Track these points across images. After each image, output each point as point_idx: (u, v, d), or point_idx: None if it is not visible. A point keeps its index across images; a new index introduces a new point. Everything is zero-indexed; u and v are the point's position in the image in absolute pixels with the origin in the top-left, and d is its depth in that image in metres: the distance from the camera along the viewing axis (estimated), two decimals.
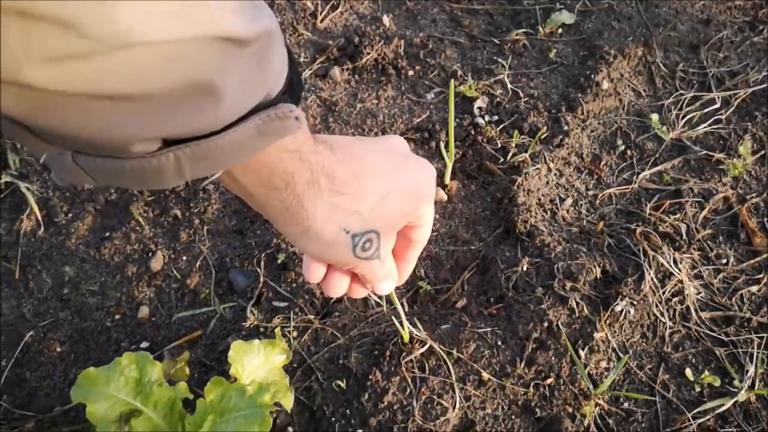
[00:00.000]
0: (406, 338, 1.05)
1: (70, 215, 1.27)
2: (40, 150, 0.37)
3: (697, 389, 1.06)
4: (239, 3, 0.34)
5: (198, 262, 1.21)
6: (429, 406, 1.00)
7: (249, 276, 1.19)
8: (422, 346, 1.04)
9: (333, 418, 1.00)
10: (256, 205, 0.48)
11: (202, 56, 0.33)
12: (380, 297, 1.14)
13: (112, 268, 1.21)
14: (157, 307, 1.17)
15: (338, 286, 0.59)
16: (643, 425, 1.03)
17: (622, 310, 1.09)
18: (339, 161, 0.48)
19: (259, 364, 0.99)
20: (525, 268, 1.15)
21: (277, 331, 1.02)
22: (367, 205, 0.50)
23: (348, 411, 1.00)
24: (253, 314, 1.12)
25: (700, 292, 1.15)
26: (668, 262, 1.14)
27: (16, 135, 0.35)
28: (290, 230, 0.49)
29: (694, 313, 1.12)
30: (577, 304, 1.10)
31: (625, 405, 1.04)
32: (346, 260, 0.52)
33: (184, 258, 1.22)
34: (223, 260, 1.22)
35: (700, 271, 1.17)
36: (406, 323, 1.02)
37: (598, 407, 1.04)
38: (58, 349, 1.11)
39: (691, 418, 1.01)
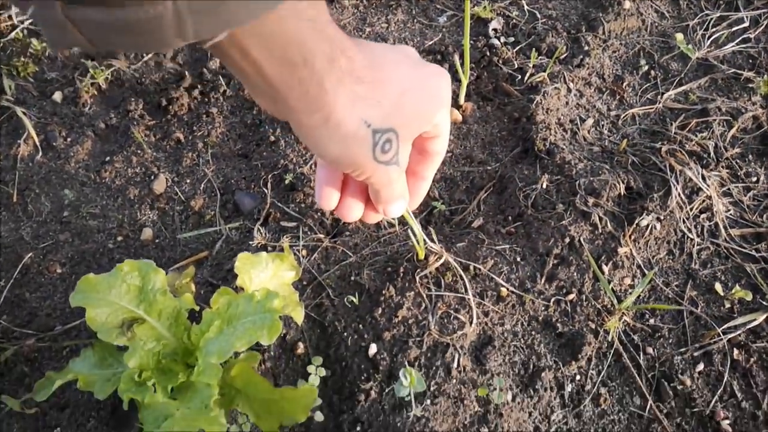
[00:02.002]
0: (421, 255, 1.01)
1: (68, 140, 1.22)
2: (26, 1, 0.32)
3: (727, 305, 1.01)
4: None
5: (202, 185, 1.17)
6: (445, 320, 0.96)
7: (255, 198, 1.14)
8: (438, 261, 0.99)
9: (345, 333, 0.95)
10: (273, 93, 0.42)
11: None
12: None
13: (114, 191, 1.16)
14: (161, 229, 1.12)
15: (353, 209, 0.56)
16: (670, 341, 0.98)
17: (647, 225, 1.04)
18: (357, 46, 0.43)
19: (267, 278, 0.94)
20: (545, 186, 1.09)
21: (286, 245, 0.97)
22: (388, 98, 0.46)
23: (361, 326, 0.95)
24: (261, 234, 1.07)
25: (729, 210, 1.09)
26: (696, 177, 1.08)
27: None
28: (310, 121, 0.44)
29: (723, 230, 1.07)
30: (600, 219, 1.04)
31: (651, 321, 1.00)
32: (364, 163, 0.48)
33: (188, 181, 1.17)
34: (229, 183, 1.17)
35: (729, 189, 1.12)
36: (421, 238, 0.97)
37: (622, 323, 0.99)
38: (59, 271, 1.07)
39: (721, 333, 0.96)
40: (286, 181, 1.13)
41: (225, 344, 0.79)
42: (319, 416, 0.89)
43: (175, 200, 1.15)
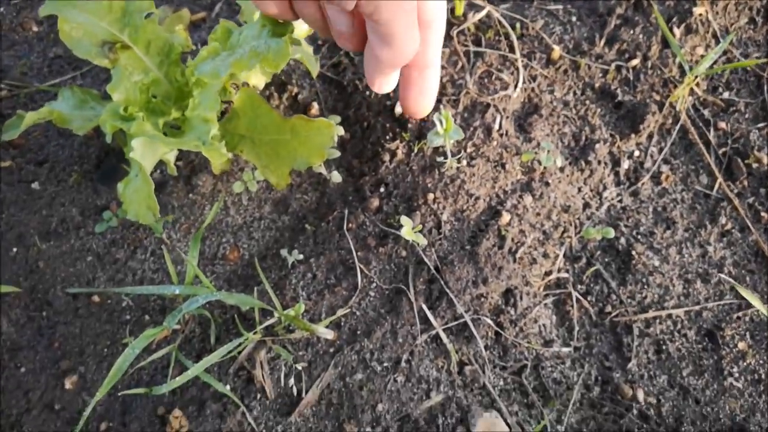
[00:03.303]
0: (459, 10, 0.85)
1: None
2: None
3: None
4: None
5: None
6: (486, 80, 0.81)
7: None
8: (477, 15, 0.83)
9: (367, 92, 0.81)
10: None
11: None
12: None
13: None
14: None
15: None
16: (746, 116, 0.84)
17: None
18: None
19: None
20: None
21: None
22: None
23: None
24: None
25: None
26: None
27: None
28: None
29: None
30: None
31: (725, 95, 0.85)
32: None
33: None
34: None
35: None
36: None
37: (692, 96, 0.84)
38: (35, 29, 0.92)
39: None
40: None
41: (221, 64, 0.65)
42: (336, 177, 0.77)
43: None
